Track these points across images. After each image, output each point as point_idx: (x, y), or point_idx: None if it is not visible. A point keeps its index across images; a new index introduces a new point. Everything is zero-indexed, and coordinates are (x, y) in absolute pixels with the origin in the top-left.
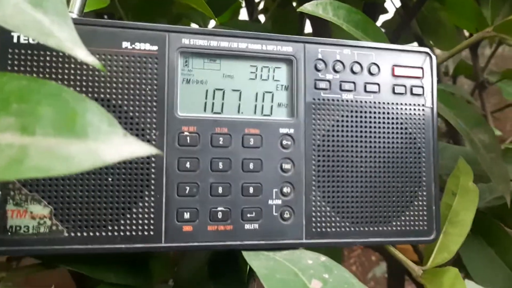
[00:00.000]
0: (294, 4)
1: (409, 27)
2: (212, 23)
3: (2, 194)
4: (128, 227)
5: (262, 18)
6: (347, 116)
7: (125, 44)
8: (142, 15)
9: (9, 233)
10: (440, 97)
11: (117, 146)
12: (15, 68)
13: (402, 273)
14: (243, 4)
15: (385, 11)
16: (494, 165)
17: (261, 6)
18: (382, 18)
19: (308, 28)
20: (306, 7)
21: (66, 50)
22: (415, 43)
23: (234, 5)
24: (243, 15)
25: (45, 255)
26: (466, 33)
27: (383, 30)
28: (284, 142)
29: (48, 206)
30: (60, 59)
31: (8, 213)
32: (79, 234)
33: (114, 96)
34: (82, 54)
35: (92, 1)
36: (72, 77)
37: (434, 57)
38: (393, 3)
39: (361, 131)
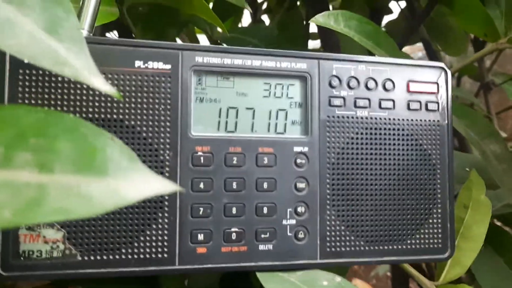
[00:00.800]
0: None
1: (416, 31)
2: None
3: None
4: (142, 250)
5: (265, 18)
6: (361, 133)
7: (138, 63)
8: (152, 25)
9: (22, 258)
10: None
11: (139, 183)
12: (26, 89)
13: (406, 274)
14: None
15: (389, 11)
16: (506, 176)
17: (264, 5)
18: (386, 18)
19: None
20: (318, 19)
21: (82, 80)
22: (420, 44)
23: None
24: (246, 15)
25: (59, 279)
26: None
27: (385, 29)
28: (298, 160)
29: (61, 230)
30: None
31: (20, 238)
32: (92, 258)
33: (127, 117)
34: (99, 82)
35: (101, 15)
36: (84, 97)
37: (449, 72)
38: (398, 4)
39: (375, 148)
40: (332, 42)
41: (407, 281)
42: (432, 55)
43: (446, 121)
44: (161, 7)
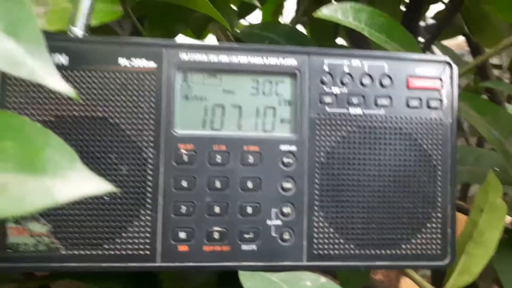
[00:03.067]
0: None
1: (451, 21)
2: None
3: None
4: (123, 246)
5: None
6: (354, 131)
7: (122, 61)
8: (159, 23)
9: (10, 250)
10: (472, 103)
11: (74, 183)
12: (14, 97)
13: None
14: None
15: (436, 0)
16: None
17: None
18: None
19: None
20: (323, 12)
21: (38, 80)
22: (462, 38)
23: None
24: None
25: (43, 271)
26: None
27: (433, 21)
28: (285, 159)
29: (46, 224)
30: None
31: (8, 231)
32: (76, 252)
33: (111, 114)
34: (54, 82)
35: (103, 14)
36: (69, 97)
37: (455, 67)
38: None
39: (369, 148)
40: (359, 37)
41: None
42: (473, 49)
43: (450, 120)
44: (167, 4)
